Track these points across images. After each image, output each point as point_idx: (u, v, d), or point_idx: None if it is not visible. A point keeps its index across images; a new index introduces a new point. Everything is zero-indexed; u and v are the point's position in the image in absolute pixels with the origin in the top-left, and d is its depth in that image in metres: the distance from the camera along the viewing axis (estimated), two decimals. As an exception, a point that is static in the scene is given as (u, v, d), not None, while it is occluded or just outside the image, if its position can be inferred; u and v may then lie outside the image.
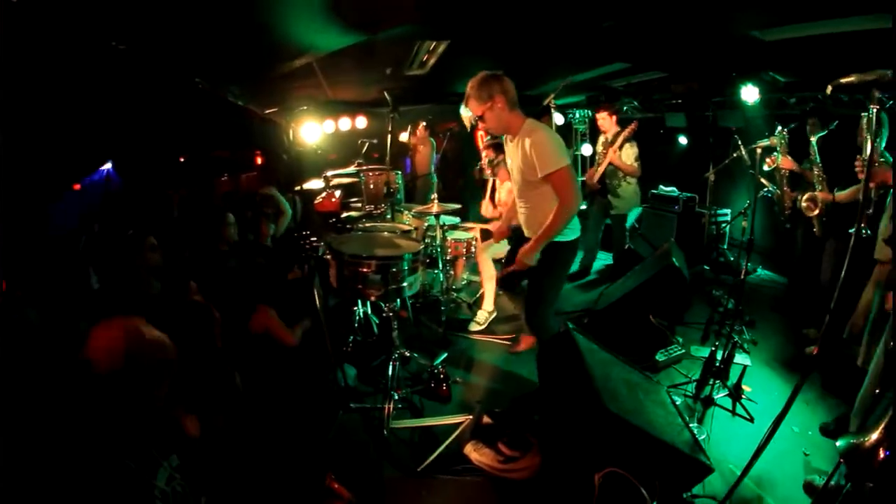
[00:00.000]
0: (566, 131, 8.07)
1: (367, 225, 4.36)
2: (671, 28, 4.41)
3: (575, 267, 6.00)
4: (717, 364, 3.46)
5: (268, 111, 6.39)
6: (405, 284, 3.38)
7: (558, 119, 7.24)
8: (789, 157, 4.69)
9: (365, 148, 5.78)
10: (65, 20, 3.25)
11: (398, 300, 3.69)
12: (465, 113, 3.36)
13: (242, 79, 6.07)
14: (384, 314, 3.68)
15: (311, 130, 6.20)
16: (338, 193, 4.77)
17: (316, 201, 4.76)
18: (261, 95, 6.46)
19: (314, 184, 4.76)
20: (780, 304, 5.08)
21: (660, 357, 3.91)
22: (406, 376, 3.83)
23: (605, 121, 5.77)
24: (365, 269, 3.30)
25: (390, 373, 3.51)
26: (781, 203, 4.86)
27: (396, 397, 3.43)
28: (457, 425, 3.27)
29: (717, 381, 3.44)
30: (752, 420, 3.22)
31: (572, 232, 3.31)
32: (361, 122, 6.83)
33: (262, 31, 4.47)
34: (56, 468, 1.55)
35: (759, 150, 4.47)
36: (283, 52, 5.26)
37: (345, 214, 4.77)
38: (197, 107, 6.27)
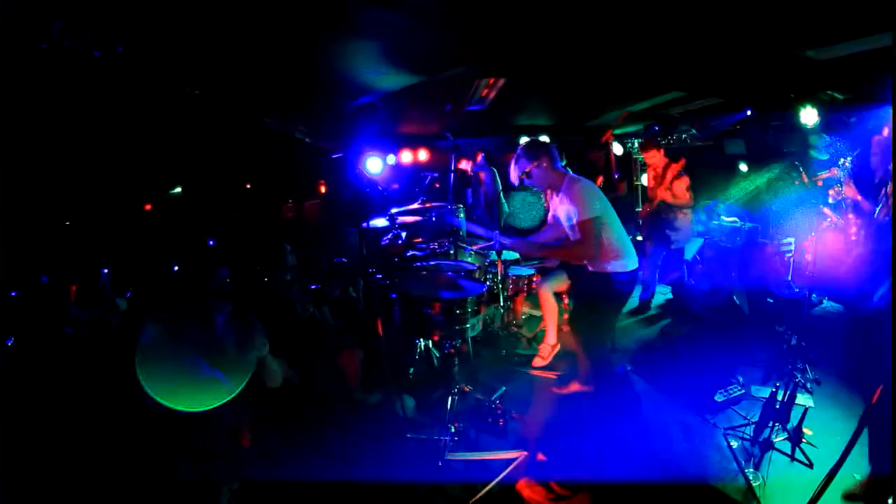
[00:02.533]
0: (626, 161, 8.09)
1: (432, 264, 4.53)
2: (724, 54, 4.45)
3: (634, 302, 6.06)
4: (778, 405, 3.40)
5: (335, 155, 6.77)
6: (468, 326, 3.54)
7: (618, 150, 7.30)
8: (853, 186, 4.61)
9: (427, 181, 5.99)
10: (148, 70, 3.70)
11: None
12: (514, 170, 3.64)
13: (308, 117, 6.49)
14: (446, 351, 3.82)
15: (374, 164, 6.49)
16: (403, 235, 4.98)
17: (384, 243, 4.99)
18: (327, 132, 6.86)
19: (378, 221, 4.99)
20: (844, 337, 4.90)
21: (719, 397, 3.86)
22: (464, 410, 3.93)
23: (655, 157, 5.89)
24: (429, 311, 3.48)
25: (448, 406, 3.64)
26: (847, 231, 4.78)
27: (453, 430, 3.54)
28: (511, 460, 3.35)
29: (777, 424, 3.37)
30: (811, 466, 3.15)
31: (627, 264, 3.52)
32: (423, 155, 7.10)
33: (326, 72, 4.82)
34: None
35: (819, 182, 4.40)
36: (346, 91, 5.63)
37: (409, 253, 4.98)
38: (265, 142, 6.77)
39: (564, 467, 3.20)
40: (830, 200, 4.84)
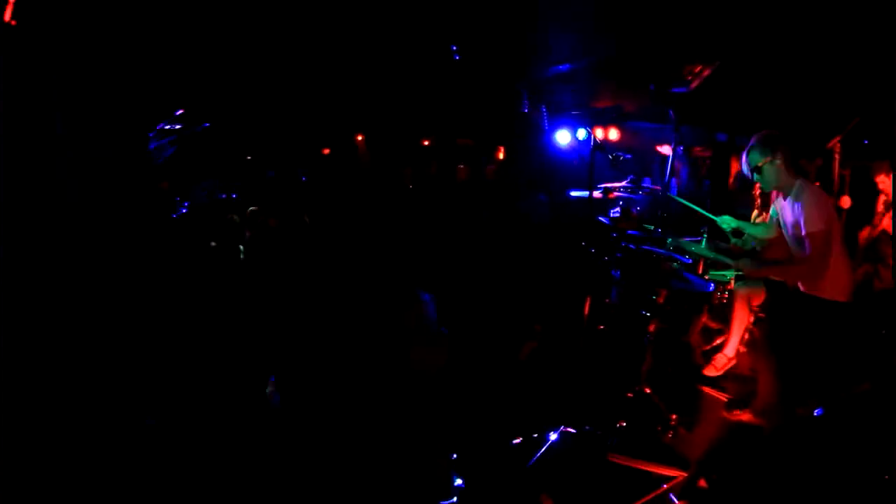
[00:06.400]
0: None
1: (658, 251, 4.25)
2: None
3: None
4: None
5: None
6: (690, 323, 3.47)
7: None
8: None
9: (617, 163, 5.86)
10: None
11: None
12: (744, 164, 3.47)
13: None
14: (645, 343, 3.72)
15: (564, 136, 6.45)
16: (636, 209, 4.82)
17: (613, 215, 4.83)
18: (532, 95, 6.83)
19: (579, 192, 4.86)
20: None
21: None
22: (633, 411, 3.84)
23: (885, 182, 5.29)
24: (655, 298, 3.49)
25: (623, 405, 3.67)
26: None
27: (619, 429, 3.56)
28: (671, 478, 3.29)
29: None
30: None
31: (847, 291, 3.28)
32: (613, 133, 6.92)
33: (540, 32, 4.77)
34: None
35: None
36: (552, 51, 5.59)
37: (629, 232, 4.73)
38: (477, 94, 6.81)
39: (726, 501, 3.15)
40: None
